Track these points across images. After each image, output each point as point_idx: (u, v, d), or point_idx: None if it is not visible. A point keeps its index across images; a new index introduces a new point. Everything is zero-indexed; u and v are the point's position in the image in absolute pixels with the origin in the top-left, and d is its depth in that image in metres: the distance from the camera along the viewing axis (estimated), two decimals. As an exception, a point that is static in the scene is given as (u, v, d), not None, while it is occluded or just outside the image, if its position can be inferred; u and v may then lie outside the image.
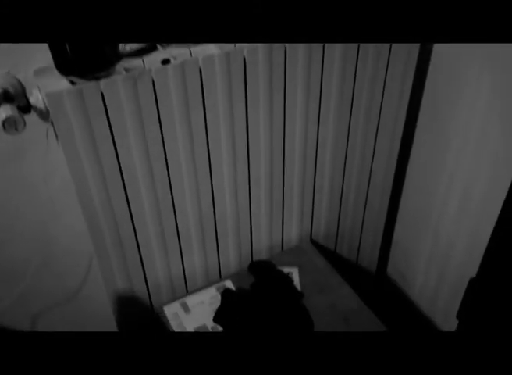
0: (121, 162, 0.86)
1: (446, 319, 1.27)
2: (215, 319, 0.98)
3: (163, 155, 0.89)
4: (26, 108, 0.79)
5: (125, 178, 0.88)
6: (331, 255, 1.28)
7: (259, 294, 1.03)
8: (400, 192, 1.33)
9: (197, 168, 0.95)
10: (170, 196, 0.95)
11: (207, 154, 0.94)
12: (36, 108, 0.80)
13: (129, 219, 0.94)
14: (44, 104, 0.79)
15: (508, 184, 0.86)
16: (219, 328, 0.98)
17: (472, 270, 1.01)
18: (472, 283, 1.02)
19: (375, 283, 1.47)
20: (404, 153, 1.25)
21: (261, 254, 1.17)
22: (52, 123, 0.79)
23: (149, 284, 1.07)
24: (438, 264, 1.25)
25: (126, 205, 0.92)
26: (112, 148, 0.83)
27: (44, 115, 0.81)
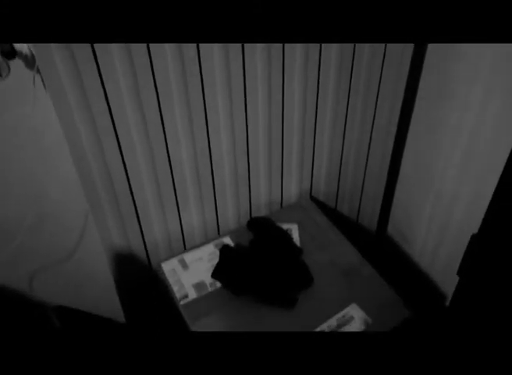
0: (112, 110, 0.82)
1: (446, 277, 1.26)
2: (214, 275, 0.97)
3: (156, 103, 0.85)
4: (10, 53, 0.75)
5: (117, 128, 0.85)
6: (331, 214, 1.27)
7: (258, 250, 1.02)
8: (401, 151, 1.30)
9: (193, 122, 0.91)
10: (165, 149, 0.92)
11: (203, 111, 0.91)
12: (21, 54, 0.76)
13: (124, 172, 0.91)
14: (30, 49, 0.75)
15: (511, 143, 0.84)
16: (218, 284, 0.97)
17: (473, 228, 0.99)
18: (474, 239, 1.01)
19: (376, 243, 1.46)
20: (406, 111, 1.21)
21: (260, 211, 1.15)
22: (39, 71, 0.75)
23: (146, 242, 1.05)
24: (439, 224, 1.23)
25: (120, 158, 0.89)
26: (103, 95, 0.80)
27: (30, 61, 0.77)
